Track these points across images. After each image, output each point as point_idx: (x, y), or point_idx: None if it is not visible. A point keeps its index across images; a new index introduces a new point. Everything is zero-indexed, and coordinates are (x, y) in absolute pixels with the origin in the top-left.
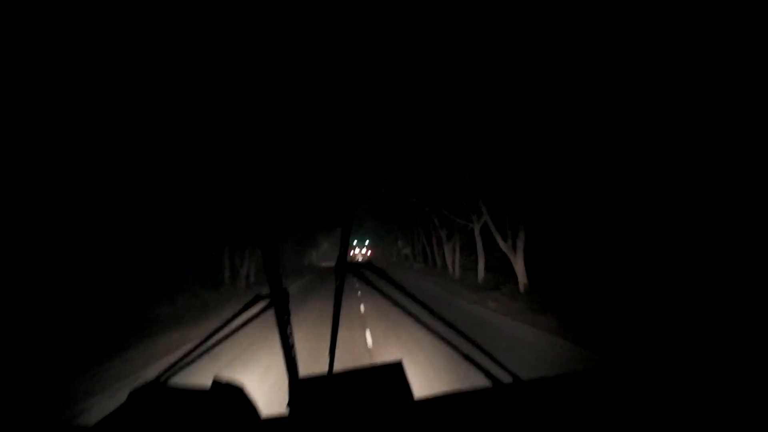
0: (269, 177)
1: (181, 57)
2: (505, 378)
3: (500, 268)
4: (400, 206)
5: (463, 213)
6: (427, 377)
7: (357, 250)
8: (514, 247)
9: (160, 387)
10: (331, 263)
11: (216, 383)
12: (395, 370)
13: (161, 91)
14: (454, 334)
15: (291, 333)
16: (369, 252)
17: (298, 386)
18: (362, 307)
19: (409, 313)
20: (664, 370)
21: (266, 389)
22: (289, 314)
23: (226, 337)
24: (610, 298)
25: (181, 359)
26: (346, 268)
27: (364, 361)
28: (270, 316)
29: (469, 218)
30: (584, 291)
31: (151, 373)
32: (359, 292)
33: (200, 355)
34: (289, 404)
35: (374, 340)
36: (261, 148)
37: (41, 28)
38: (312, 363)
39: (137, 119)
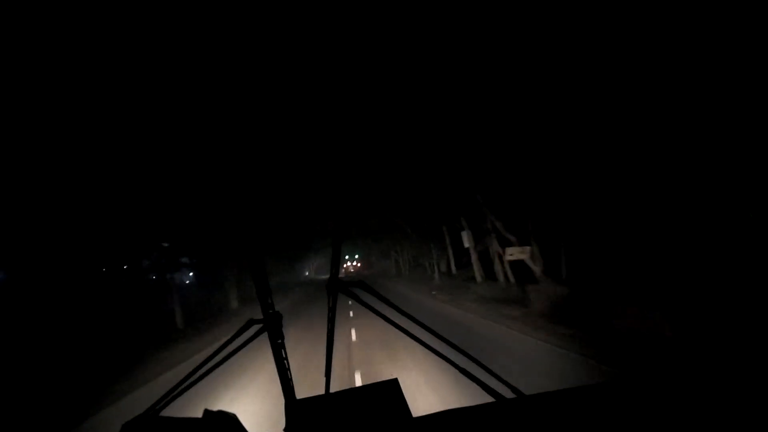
0: (258, 202)
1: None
2: (508, 393)
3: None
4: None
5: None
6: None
7: (348, 264)
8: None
9: (152, 418)
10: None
11: (207, 412)
12: (391, 387)
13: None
14: (453, 352)
15: (285, 356)
16: (359, 264)
17: (295, 408)
18: (353, 334)
19: (403, 330)
20: (668, 384)
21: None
22: (282, 337)
23: (220, 363)
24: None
25: (174, 389)
26: (339, 288)
27: None
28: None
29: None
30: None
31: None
32: (351, 312)
33: (194, 383)
34: (286, 428)
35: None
36: (249, 173)
37: (29, 25)
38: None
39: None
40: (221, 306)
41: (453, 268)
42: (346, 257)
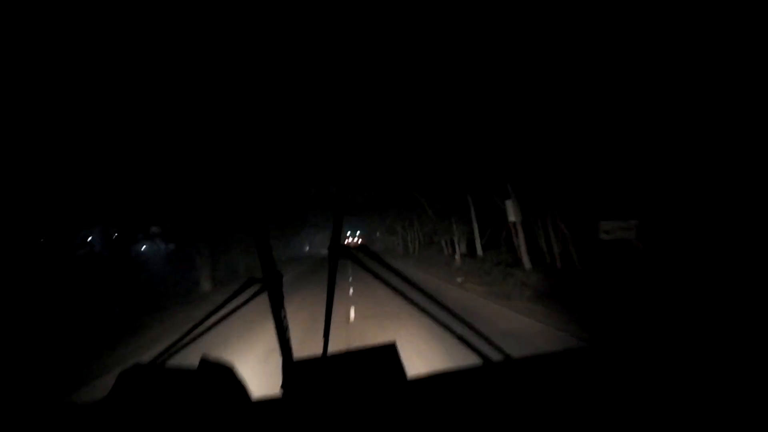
0: (260, 160)
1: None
2: (496, 356)
3: None
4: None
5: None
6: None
7: (350, 239)
8: None
9: (149, 368)
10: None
11: (204, 362)
12: (389, 351)
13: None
14: (446, 315)
15: (285, 316)
16: (360, 240)
17: (292, 368)
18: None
19: (400, 293)
20: (650, 347)
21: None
22: (282, 297)
23: (219, 321)
24: None
25: (173, 344)
26: (340, 251)
27: None
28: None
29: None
30: None
31: None
32: (351, 290)
33: (193, 340)
34: (283, 386)
35: None
36: (252, 132)
37: (30, 25)
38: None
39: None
40: (189, 288)
41: (478, 247)
42: (348, 233)
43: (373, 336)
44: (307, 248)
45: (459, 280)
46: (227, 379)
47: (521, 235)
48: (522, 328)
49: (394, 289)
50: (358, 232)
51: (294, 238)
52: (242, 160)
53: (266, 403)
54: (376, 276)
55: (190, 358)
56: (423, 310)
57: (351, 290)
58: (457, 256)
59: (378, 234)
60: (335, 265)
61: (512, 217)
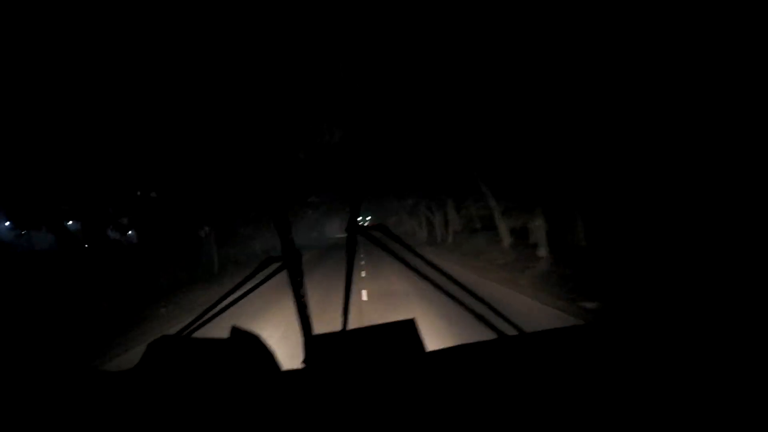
0: (279, 143)
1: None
2: (510, 331)
3: None
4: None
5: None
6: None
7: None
8: None
9: (177, 339)
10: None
11: (235, 330)
12: (408, 327)
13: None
14: (461, 291)
15: (305, 293)
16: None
17: (313, 343)
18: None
19: (417, 272)
20: (665, 322)
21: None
22: (302, 275)
23: (240, 298)
24: None
25: (196, 320)
26: (357, 230)
27: None
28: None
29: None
30: None
31: None
32: (363, 273)
33: (215, 316)
34: (305, 360)
35: None
36: (270, 115)
37: (36, 24)
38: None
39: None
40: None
41: (581, 238)
42: (360, 218)
43: (389, 316)
44: (315, 234)
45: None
46: (257, 348)
47: None
48: None
49: (408, 266)
50: (369, 218)
51: (296, 223)
52: (259, 145)
53: (291, 374)
54: (394, 255)
55: (213, 332)
56: (439, 287)
57: (363, 273)
58: (543, 251)
59: (395, 218)
60: (354, 242)
61: None
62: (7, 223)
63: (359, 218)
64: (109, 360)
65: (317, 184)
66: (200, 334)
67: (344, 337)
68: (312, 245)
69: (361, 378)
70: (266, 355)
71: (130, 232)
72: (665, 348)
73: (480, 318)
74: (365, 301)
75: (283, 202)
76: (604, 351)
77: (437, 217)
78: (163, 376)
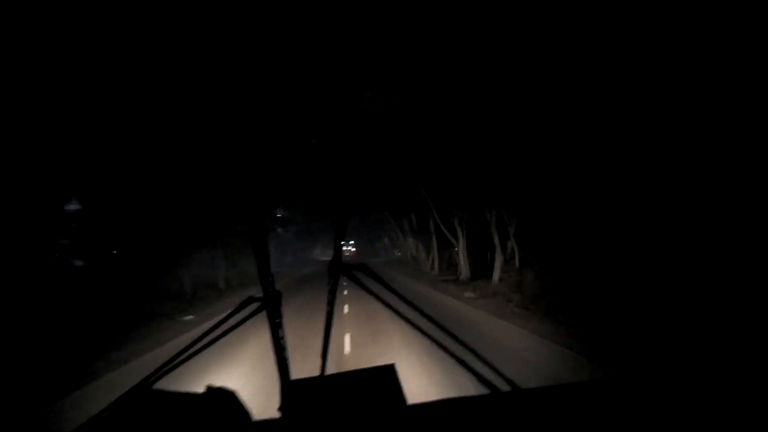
0: (263, 177)
1: (171, 50)
2: (503, 386)
3: None
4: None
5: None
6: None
7: (345, 248)
8: None
9: (148, 390)
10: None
11: (209, 389)
12: (387, 372)
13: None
14: (449, 340)
15: (283, 336)
16: (355, 249)
17: (290, 388)
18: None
19: (403, 317)
20: (665, 380)
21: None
22: (281, 317)
23: (216, 339)
24: None
25: (169, 361)
26: (340, 269)
27: None
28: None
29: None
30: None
31: None
32: (346, 308)
33: (189, 358)
34: (281, 408)
35: None
36: (255, 146)
37: (35, 25)
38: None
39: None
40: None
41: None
42: (342, 243)
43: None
44: (290, 259)
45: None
46: (230, 402)
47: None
48: None
49: (393, 310)
50: (351, 242)
51: (315, 244)
52: (250, 181)
53: (266, 424)
54: (377, 298)
55: (183, 377)
56: (426, 335)
57: (346, 308)
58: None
59: (387, 241)
60: (336, 283)
61: None
62: None
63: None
64: None
65: (292, 194)
66: (174, 377)
67: (322, 382)
68: (281, 273)
69: (338, 430)
70: (241, 409)
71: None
72: (679, 408)
73: (469, 369)
74: (348, 354)
75: (264, 242)
76: (606, 412)
77: (426, 245)
78: None
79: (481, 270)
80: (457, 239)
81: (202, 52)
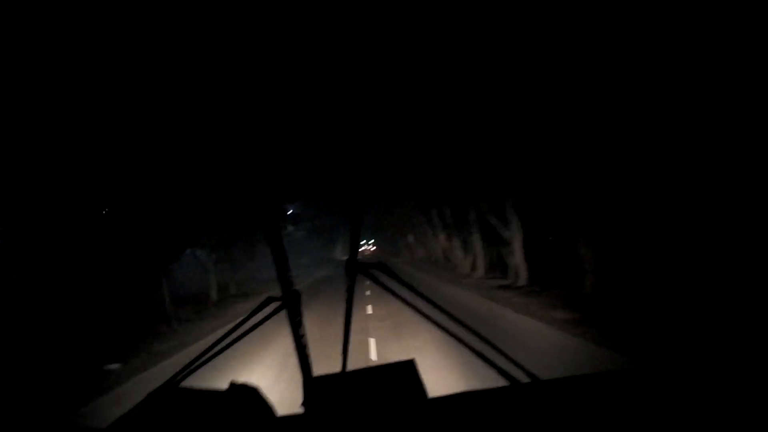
0: (279, 178)
1: (179, 47)
2: (523, 378)
3: None
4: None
5: None
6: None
7: (364, 247)
8: None
9: (175, 389)
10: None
11: (233, 385)
12: (408, 368)
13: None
14: (468, 334)
15: (304, 333)
16: (374, 248)
17: (312, 385)
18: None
19: (422, 313)
20: (685, 370)
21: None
22: (301, 315)
23: (238, 339)
24: None
25: (193, 361)
26: (357, 268)
27: None
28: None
29: None
30: None
31: None
32: (369, 309)
33: (213, 357)
34: (304, 403)
35: None
36: (270, 146)
37: (35, 25)
38: None
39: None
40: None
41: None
42: (362, 241)
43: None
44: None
45: None
46: (254, 399)
47: None
48: None
49: (412, 307)
50: (372, 241)
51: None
52: (266, 181)
53: (289, 419)
54: (396, 296)
55: (209, 376)
56: (443, 329)
57: (370, 308)
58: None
59: (411, 238)
60: (354, 280)
61: None
62: None
63: (362, 241)
64: None
65: (305, 187)
66: (198, 376)
67: (344, 378)
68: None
69: (360, 424)
70: (264, 405)
71: None
72: (703, 398)
73: (488, 362)
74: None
75: (281, 242)
76: (626, 403)
77: (468, 240)
78: None
79: (543, 272)
80: (510, 231)
81: (203, 52)
